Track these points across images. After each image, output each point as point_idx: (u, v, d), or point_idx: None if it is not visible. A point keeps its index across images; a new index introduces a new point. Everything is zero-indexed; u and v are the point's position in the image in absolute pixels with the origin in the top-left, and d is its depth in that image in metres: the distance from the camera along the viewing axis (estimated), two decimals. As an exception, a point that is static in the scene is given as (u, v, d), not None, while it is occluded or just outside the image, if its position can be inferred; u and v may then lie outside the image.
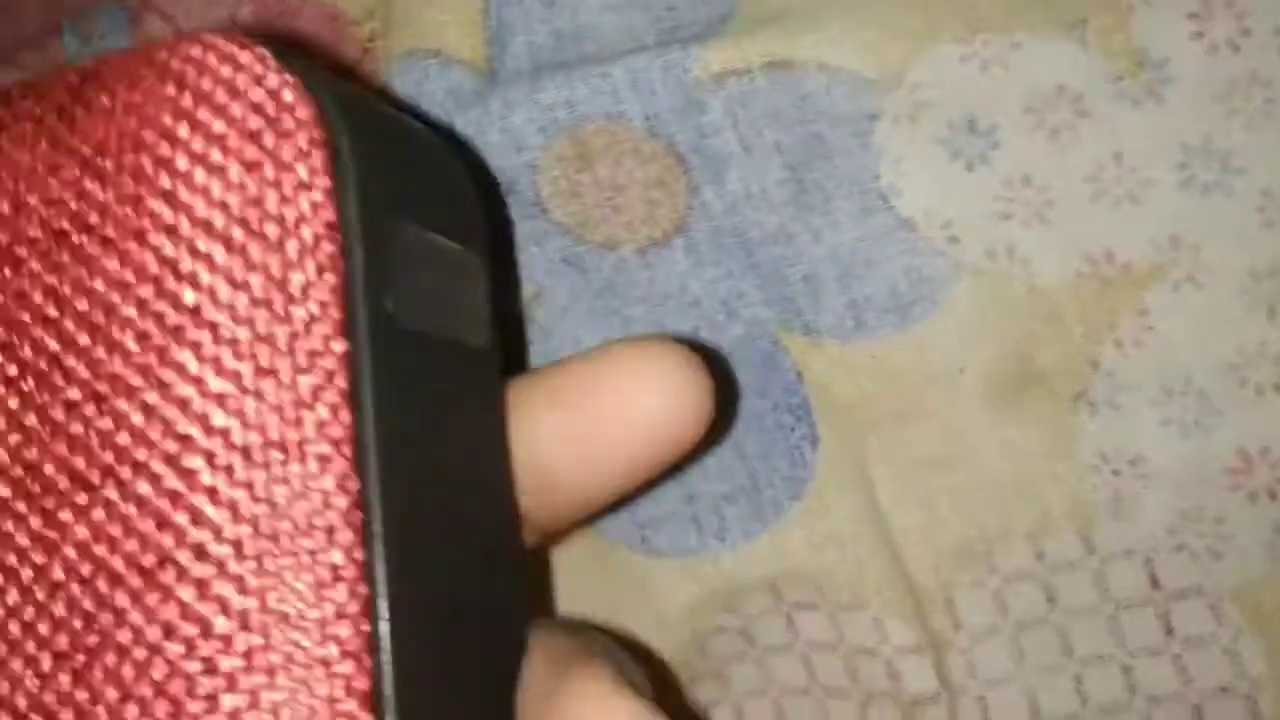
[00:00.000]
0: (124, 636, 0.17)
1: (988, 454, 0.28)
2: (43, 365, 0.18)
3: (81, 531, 0.17)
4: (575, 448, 0.22)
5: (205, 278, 0.17)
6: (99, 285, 0.17)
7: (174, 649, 0.17)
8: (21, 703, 0.17)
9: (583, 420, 0.22)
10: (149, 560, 0.17)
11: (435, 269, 0.20)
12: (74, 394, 0.17)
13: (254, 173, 0.17)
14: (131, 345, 0.17)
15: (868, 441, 0.28)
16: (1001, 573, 0.28)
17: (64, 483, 0.17)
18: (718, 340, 0.29)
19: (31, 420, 0.17)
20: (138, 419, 0.17)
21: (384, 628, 0.17)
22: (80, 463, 0.17)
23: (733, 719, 0.29)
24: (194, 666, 0.16)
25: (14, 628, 0.17)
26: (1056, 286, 0.27)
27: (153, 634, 0.17)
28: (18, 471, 0.17)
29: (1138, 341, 0.27)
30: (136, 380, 0.17)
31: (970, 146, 0.28)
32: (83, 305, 0.17)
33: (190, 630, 0.17)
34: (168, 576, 0.17)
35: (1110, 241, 0.27)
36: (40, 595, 0.17)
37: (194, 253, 0.17)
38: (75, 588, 0.17)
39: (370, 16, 0.30)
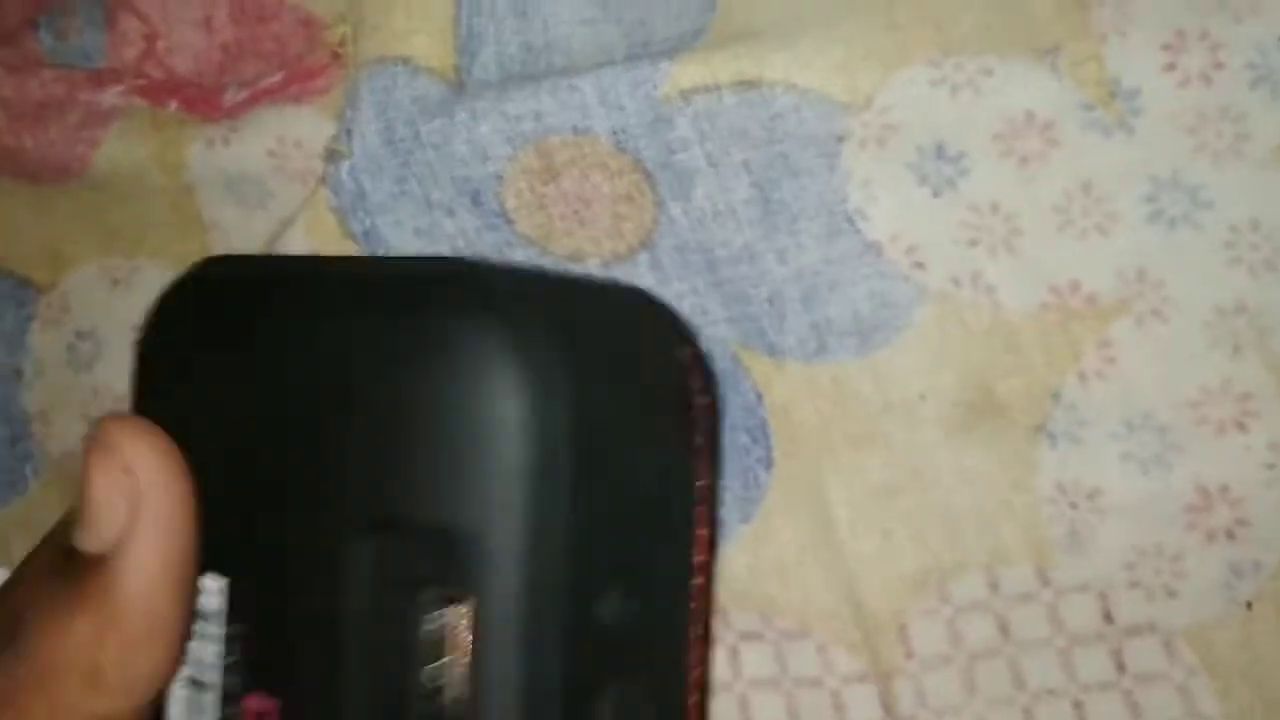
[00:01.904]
0: None
1: (945, 483, 0.27)
2: None
3: None
4: None
5: None
6: None
7: None
8: None
9: None
10: None
11: None
12: None
13: None
14: None
15: (825, 465, 0.28)
16: (955, 602, 0.28)
17: None
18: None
19: None
20: None
21: None
22: None
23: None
24: None
25: None
26: (1020, 316, 0.27)
27: None
28: None
29: (1100, 374, 0.27)
30: None
31: (938, 172, 0.27)
32: None
33: None
34: None
35: (1076, 272, 0.27)
36: None
37: None
38: None
39: (342, 20, 0.30)
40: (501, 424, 0.19)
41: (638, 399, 0.22)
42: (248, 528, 0.21)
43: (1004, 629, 0.27)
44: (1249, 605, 0.26)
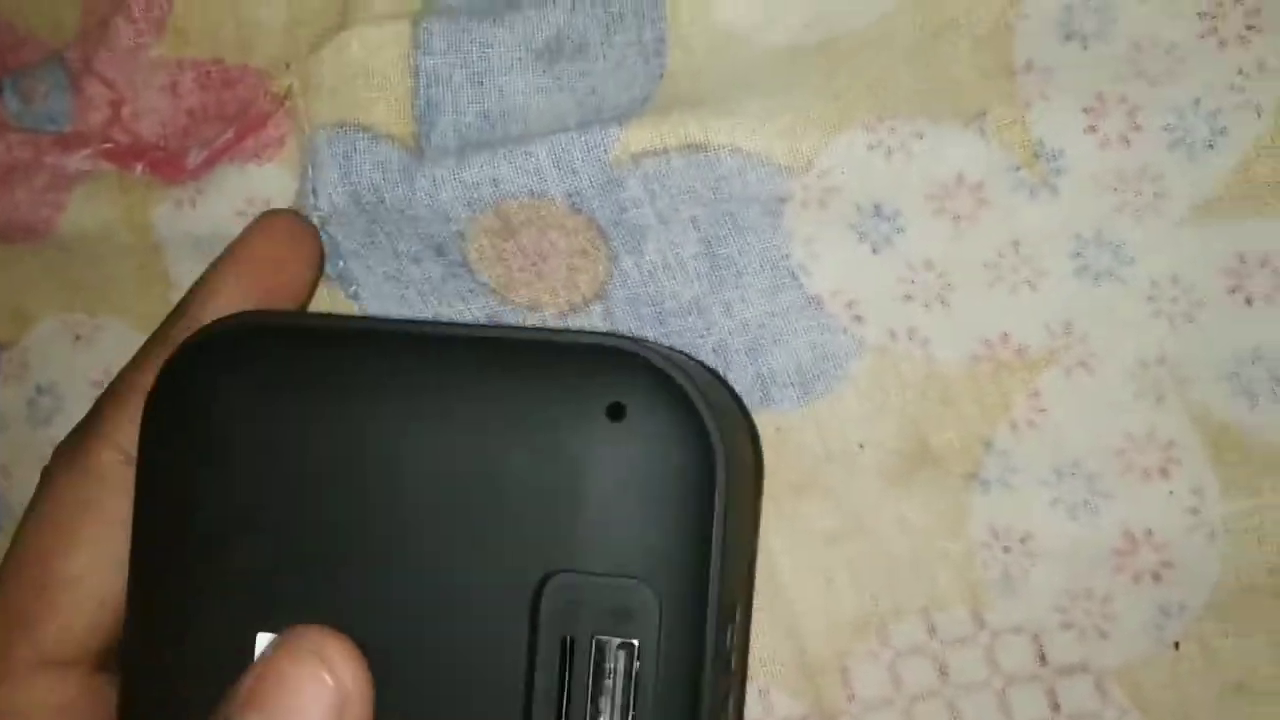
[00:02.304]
0: None
1: (884, 530, 0.28)
2: None
3: None
4: None
5: None
6: None
7: None
8: None
9: None
10: None
11: None
12: None
13: None
14: None
15: (768, 513, 0.29)
16: (895, 646, 0.28)
17: None
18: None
19: None
20: None
21: None
22: None
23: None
24: None
25: None
26: (954, 368, 0.28)
27: None
28: None
29: (1030, 423, 0.28)
30: None
31: (876, 230, 0.29)
32: None
33: None
34: None
35: (1007, 326, 0.28)
36: None
37: None
38: None
39: (285, 71, 0.31)
40: (678, 479, 0.21)
41: (747, 449, 0.26)
42: (347, 593, 0.22)
43: (942, 671, 0.28)
44: (1176, 645, 0.27)
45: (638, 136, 0.29)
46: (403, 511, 0.22)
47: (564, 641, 0.21)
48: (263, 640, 0.22)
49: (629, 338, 0.22)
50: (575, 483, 0.21)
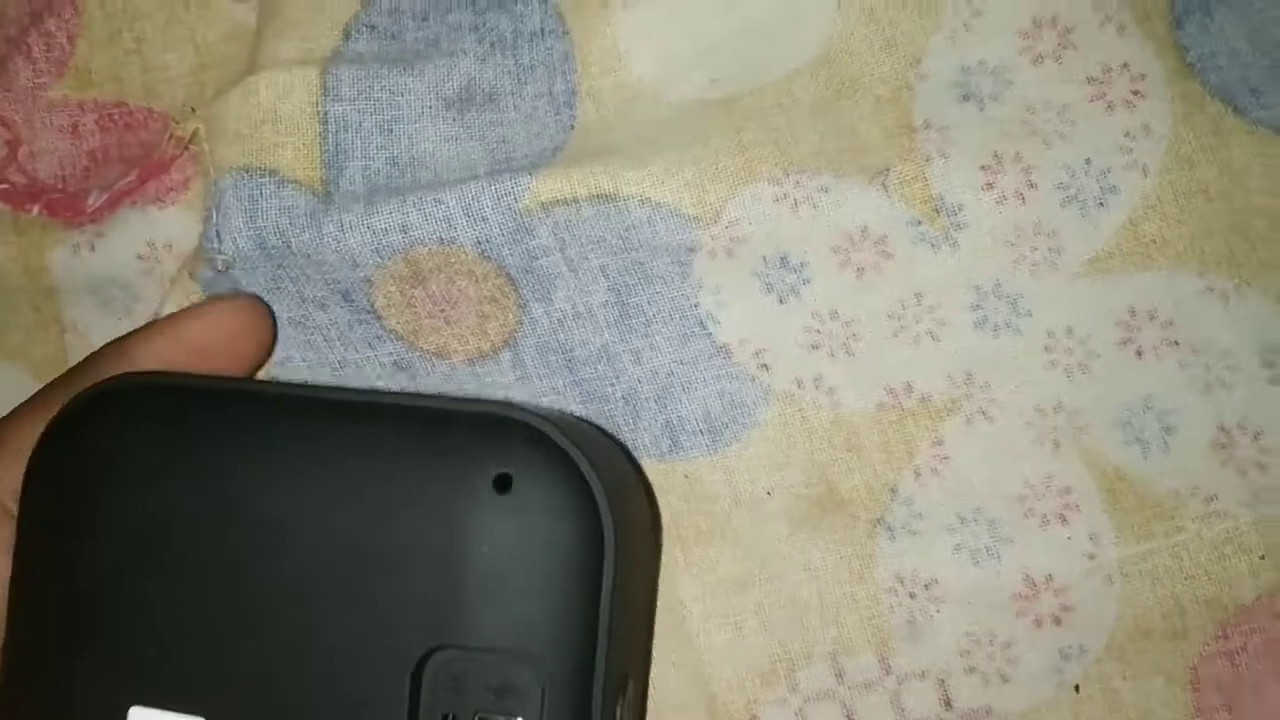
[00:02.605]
0: None
1: (791, 576, 0.29)
2: None
3: None
4: None
5: None
6: None
7: None
8: None
9: None
10: None
11: None
12: None
13: None
14: None
15: (677, 561, 0.29)
16: (803, 691, 0.29)
17: None
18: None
19: None
20: None
21: None
22: None
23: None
24: None
25: None
26: (860, 416, 0.29)
27: None
28: None
29: (934, 470, 0.29)
30: None
31: (782, 280, 0.29)
32: None
33: None
34: None
35: (910, 375, 0.29)
36: None
37: None
38: None
39: (191, 115, 0.31)
40: (565, 553, 0.21)
41: (643, 511, 0.26)
42: (226, 665, 0.21)
43: (850, 716, 0.28)
44: (1076, 688, 0.28)
45: (548, 186, 0.29)
46: (283, 582, 0.21)
47: (446, 719, 0.21)
48: (136, 716, 0.21)
49: (519, 406, 0.22)
50: (460, 555, 0.21)
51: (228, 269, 0.30)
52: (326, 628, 0.21)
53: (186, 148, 0.30)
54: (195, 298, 0.30)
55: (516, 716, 0.21)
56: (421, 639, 0.21)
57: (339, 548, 0.21)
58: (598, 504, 0.21)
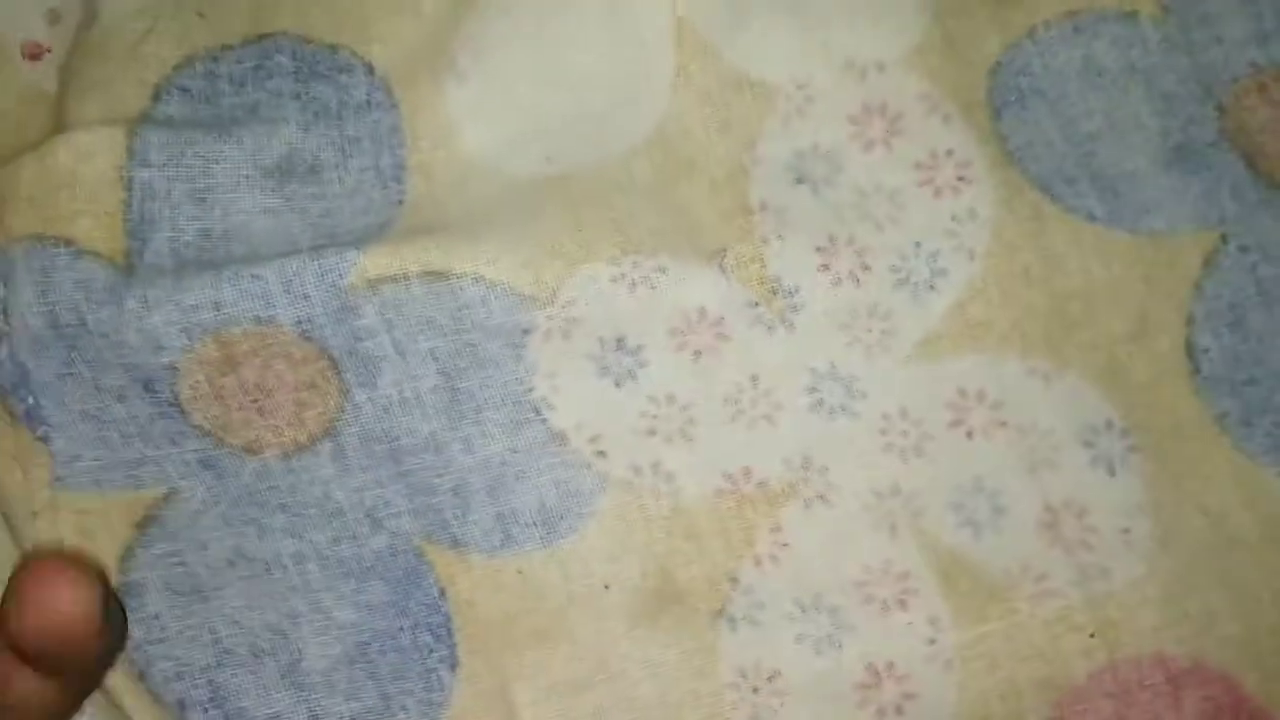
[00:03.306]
0: None
1: (630, 674, 0.27)
2: None
3: None
4: None
5: None
6: None
7: None
8: None
9: None
10: None
11: None
12: None
13: None
14: None
15: (509, 665, 0.27)
16: (644, 795, 0.27)
17: None
18: (359, 553, 0.28)
19: None
20: None
21: None
22: None
23: None
24: None
25: None
26: (698, 503, 0.28)
27: None
28: None
29: (774, 558, 0.28)
30: None
31: (619, 364, 0.28)
32: None
33: None
34: None
35: (748, 460, 0.28)
36: None
37: None
38: None
39: None
40: None
41: None
42: None
43: (693, 819, 0.27)
44: (919, 778, 0.28)
45: (376, 262, 0.28)
46: None
47: None
48: None
49: None
50: None
51: (14, 352, 0.27)
52: None
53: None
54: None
55: None
56: None
57: None
58: None
